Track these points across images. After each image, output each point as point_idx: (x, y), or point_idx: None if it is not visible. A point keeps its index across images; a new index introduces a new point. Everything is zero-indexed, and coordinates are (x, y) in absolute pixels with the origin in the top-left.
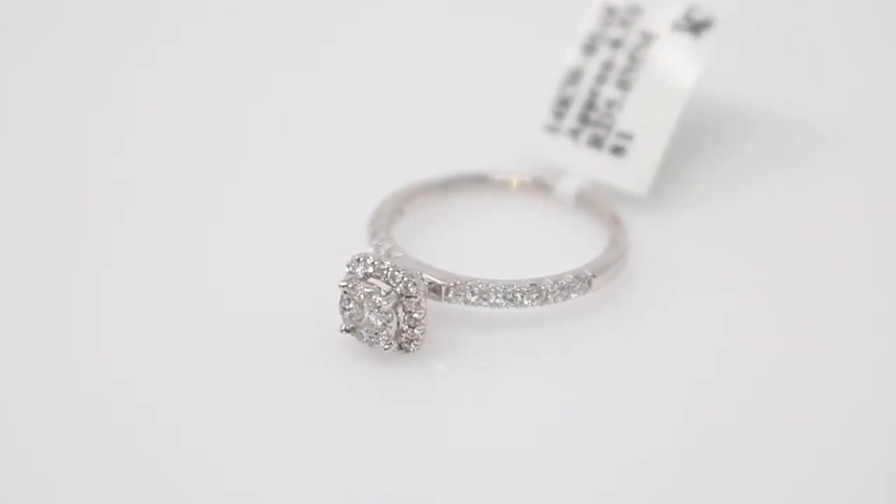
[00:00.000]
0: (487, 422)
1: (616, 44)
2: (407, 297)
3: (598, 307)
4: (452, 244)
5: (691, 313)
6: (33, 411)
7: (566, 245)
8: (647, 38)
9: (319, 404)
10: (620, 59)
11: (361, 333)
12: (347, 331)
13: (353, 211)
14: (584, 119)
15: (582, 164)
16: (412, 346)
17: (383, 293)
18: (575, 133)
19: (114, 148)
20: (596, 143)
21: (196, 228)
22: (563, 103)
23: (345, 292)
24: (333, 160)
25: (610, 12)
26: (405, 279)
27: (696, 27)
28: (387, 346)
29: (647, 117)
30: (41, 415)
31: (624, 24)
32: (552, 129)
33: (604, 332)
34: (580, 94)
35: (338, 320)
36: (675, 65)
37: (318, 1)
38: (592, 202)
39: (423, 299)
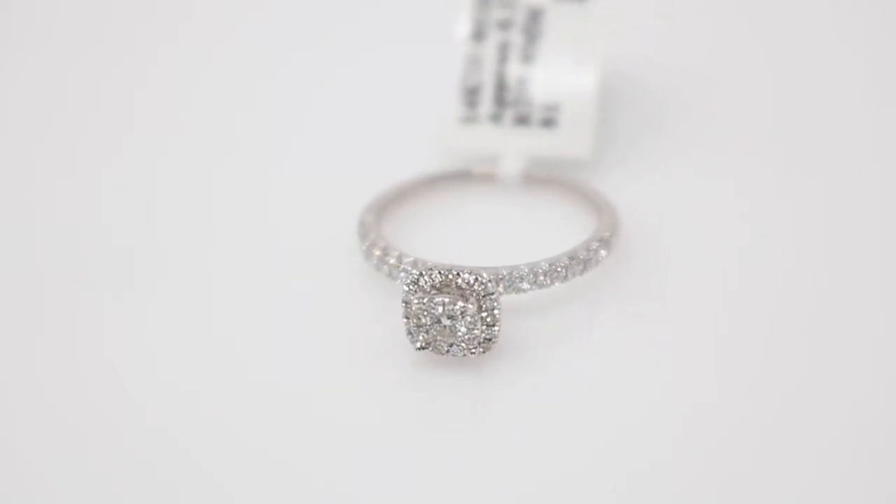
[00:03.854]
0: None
1: (504, 24)
2: (485, 295)
3: (607, 274)
4: (444, 242)
5: (702, 254)
6: (38, 417)
7: (548, 224)
8: (535, 13)
9: (329, 406)
10: (515, 37)
11: (440, 346)
12: (423, 348)
13: (323, 219)
14: (500, 102)
15: (514, 145)
16: (491, 344)
17: (465, 298)
18: (496, 117)
19: (104, 155)
20: (522, 121)
21: (191, 232)
22: (472, 92)
23: (422, 309)
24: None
25: (484, 0)
26: (478, 280)
27: None
28: (474, 351)
29: (567, 84)
30: (46, 421)
31: (506, 5)
32: (469, 120)
33: (633, 300)
34: (486, 79)
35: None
36: (575, 28)
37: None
38: (542, 178)
39: (499, 296)
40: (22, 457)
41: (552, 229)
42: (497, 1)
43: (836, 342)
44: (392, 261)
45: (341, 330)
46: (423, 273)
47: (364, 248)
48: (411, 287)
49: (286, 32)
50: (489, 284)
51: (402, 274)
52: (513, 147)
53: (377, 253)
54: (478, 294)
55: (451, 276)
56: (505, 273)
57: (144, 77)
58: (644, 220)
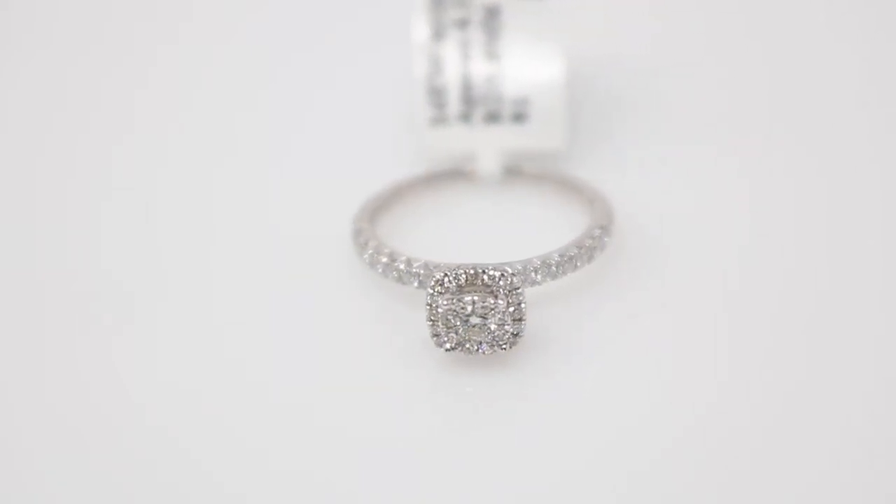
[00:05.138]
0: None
1: (462, 23)
2: (512, 290)
3: (601, 269)
4: (443, 243)
5: (691, 242)
6: (38, 417)
7: (540, 218)
8: (492, 11)
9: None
10: (475, 35)
11: (471, 345)
12: (453, 349)
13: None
14: (467, 100)
15: (488, 142)
16: (517, 339)
17: (494, 295)
18: (465, 116)
19: (104, 155)
20: (493, 117)
21: (190, 234)
22: (438, 93)
23: (451, 310)
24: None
25: (438, 2)
26: (504, 275)
27: None
28: (504, 347)
29: (534, 77)
30: (47, 422)
31: (460, 4)
32: (438, 121)
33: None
34: (450, 78)
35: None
36: (535, 22)
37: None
38: (525, 173)
39: (524, 289)
40: (22, 457)
41: (544, 222)
42: (451, 1)
43: (835, 341)
44: (402, 266)
45: (342, 330)
46: (448, 273)
47: (367, 256)
48: (436, 289)
49: (259, 40)
50: (514, 279)
51: (414, 277)
52: (486, 144)
53: (384, 260)
54: (504, 290)
55: (476, 274)
56: (519, 267)
57: (144, 77)
58: (631, 211)
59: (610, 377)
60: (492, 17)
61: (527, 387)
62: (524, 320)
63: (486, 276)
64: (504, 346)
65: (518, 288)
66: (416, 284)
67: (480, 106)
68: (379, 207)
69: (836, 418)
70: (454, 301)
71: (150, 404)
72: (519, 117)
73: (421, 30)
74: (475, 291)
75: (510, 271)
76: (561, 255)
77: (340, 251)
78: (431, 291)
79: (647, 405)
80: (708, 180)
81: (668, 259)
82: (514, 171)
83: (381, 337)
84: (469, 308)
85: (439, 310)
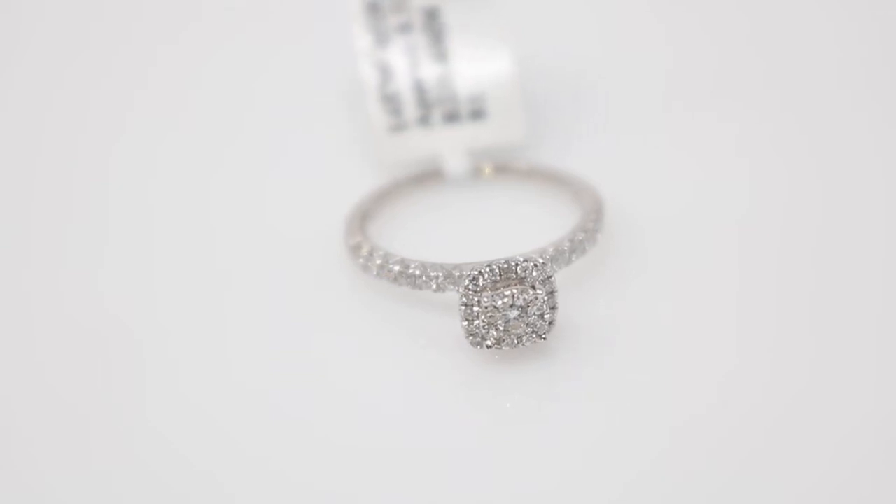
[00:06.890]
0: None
1: (404, 28)
2: (545, 279)
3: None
4: (438, 242)
5: (676, 229)
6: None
7: (528, 211)
8: (431, 12)
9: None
10: (419, 38)
11: (513, 339)
12: (493, 346)
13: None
14: (423, 104)
15: (449, 142)
16: (552, 327)
17: (532, 286)
18: (424, 119)
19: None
20: (452, 117)
21: (189, 237)
22: (392, 99)
23: (493, 306)
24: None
25: (375, 9)
26: (536, 265)
27: None
28: (544, 336)
29: (486, 73)
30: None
31: (398, 9)
32: (397, 128)
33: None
34: (402, 84)
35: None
36: (476, 18)
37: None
38: (504, 168)
39: (554, 277)
40: (23, 456)
41: (531, 215)
42: (388, 7)
43: (844, 330)
44: (416, 272)
45: (345, 333)
46: (482, 271)
47: (375, 267)
48: (471, 288)
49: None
50: (546, 268)
51: (432, 280)
52: (449, 145)
53: (396, 268)
54: (539, 279)
55: (509, 268)
56: (540, 260)
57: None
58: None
59: (623, 370)
60: (432, 18)
61: (527, 383)
62: (558, 307)
63: (518, 269)
64: (544, 336)
65: (551, 276)
66: (434, 287)
67: (437, 108)
68: (364, 217)
69: (840, 418)
70: (495, 297)
71: (154, 413)
72: (477, 114)
73: (363, 38)
74: (512, 285)
75: (541, 261)
76: (571, 242)
77: (328, 258)
78: (467, 291)
79: (650, 405)
80: (676, 162)
81: (657, 248)
82: (502, 168)
83: (387, 339)
84: (509, 301)
85: (475, 308)
